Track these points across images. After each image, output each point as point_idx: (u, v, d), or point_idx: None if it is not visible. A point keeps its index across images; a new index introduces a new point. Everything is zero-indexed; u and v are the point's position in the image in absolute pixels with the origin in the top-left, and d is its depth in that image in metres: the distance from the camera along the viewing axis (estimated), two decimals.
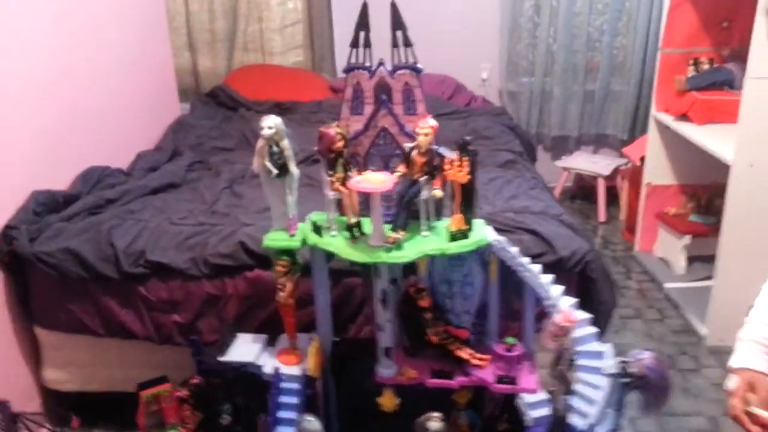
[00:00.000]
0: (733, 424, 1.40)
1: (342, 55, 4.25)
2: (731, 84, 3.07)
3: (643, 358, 1.60)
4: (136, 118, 3.11)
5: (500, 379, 1.73)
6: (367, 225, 1.68)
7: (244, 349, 1.90)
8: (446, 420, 1.72)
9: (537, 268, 1.71)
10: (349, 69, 1.70)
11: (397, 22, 1.64)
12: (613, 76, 4.22)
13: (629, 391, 1.65)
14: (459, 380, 1.75)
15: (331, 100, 3.85)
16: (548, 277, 1.73)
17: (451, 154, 1.66)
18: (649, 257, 3.47)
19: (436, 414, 1.70)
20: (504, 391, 1.73)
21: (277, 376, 1.81)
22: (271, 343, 1.94)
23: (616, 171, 4.06)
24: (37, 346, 2.24)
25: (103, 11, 2.81)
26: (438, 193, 1.62)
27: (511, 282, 1.80)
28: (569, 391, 1.59)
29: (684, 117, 3.06)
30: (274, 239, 1.75)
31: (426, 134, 1.59)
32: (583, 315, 1.72)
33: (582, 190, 4.37)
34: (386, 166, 1.75)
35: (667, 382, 1.60)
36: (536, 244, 2.03)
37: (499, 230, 1.75)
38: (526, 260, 1.70)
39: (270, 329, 1.98)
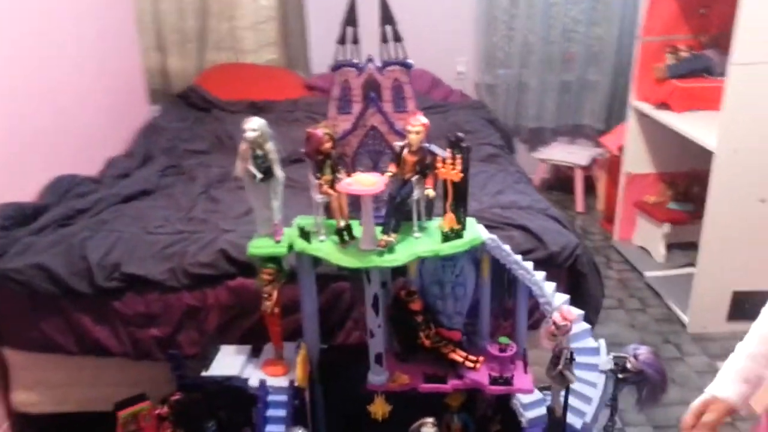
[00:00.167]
0: None
1: (317, 52, 4.17)
2: (710, 71, 3.07)
3: (640, 353, 1.58)
4: (104, 122, 2.99)
5: (495, 381, 1.68)
6: (357, 228, 1.62)
7: (228, 361, 1.83)
8: (439, 424, 1.67)
9: (530, 265, 1.67)
10: (336, 66, 1.63)
11: (387, 17, 1.58)
12: (589, 66, 4.21)
13: (624, 387, 1.63)
14: (453, 384, 1.70)
15: (307, 98, 3.77)
16: (541, 274, 1.68)
17: (442, 152, 1.61)
18: (628, 246, 3.46)
19: (429, 420, 1.65)
20: (499, 393, 1.69)
21: (264, 388, 1.74)
22: (255, 353, 1.87)
23: (593, 161, 4.05)
24: (5, 368, 2.12)
25: (66, 10, 2.68)
26: (431, 192, 1.56)
27: (502, 280, 1.76)
28: (567, 391, 1.55)
29: (663, 105, 3.06)
30: (260, 246, 1.67)
31: (417, 132, 1.54)
32: (577, 312, 1.69)
33: (559, 180, 4.36)
34: (376, 166, 1.68)
35: (664, 376, 1.58)
36: (526, 240, 1.99)
37: (487, 227, 1.70)
38: (518, 257, 1.66)
39: (254, 339, 1.90)
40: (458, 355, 1.69)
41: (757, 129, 2.43)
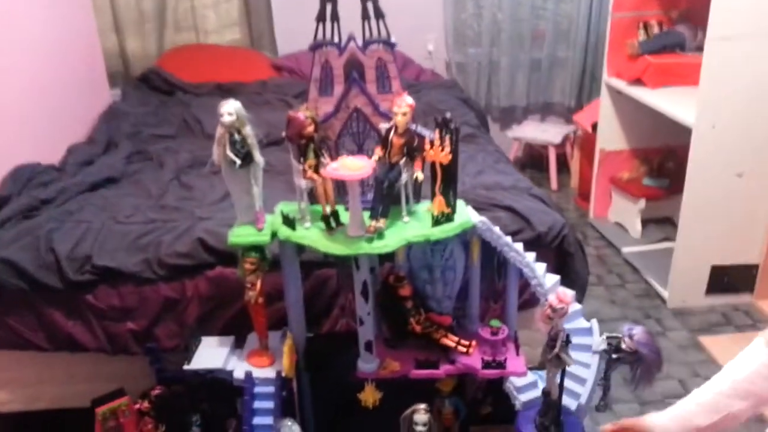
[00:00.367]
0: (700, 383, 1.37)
1: (281, 31, 4.05)
2: (682, 46, 3.08)
3: (635, 333, 1.56)
4: (63, 107, 2.84)
5: (488, 365, 1.65)
6: (343, 214, 1.56)
7: (211, 353, 1.76)
8: (430, 410, 1.64)
9: (520, 247, 1.64)
10: (316, 46, 1.56)
11: None
12: (558, 43, 4.19)
13: (617, 367, 1.62)
14: (445, 369, 1.67)
15: (276, 79, 3.67)
16: (532, 255, 1.65)
17: (430, 134, 1.55)
18: (604, 223, 3.48)
19: (422, 406, 1.62)
20: (492, 377, 1.66)
21: (250, 380, 1.69)
22: (239, 344, 1.81)
23: (565, 139, 4.05)
24: None
25: None
26: (420, 176, 1.51)
27: (492, 262, 1.73)
28: (563, 373, 1.53)
29: (637, 81, 3.05)
30: (241, 235, 1.60)
31: (404, 113, 1.48)
32: (570, 293, 1.66)
33: (531, 159, 4.36)
34: (360, 150, 1.62)
35: (659, 356, 1.56)
36: (513, 221, 1.95)
37: (472, 208, 1.66)
38: (509, 239, 1.63)
39: (236, 329, 1.84)
40: (450, 340, 1.65)
41: (735, 104, 2.44)
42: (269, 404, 1.67)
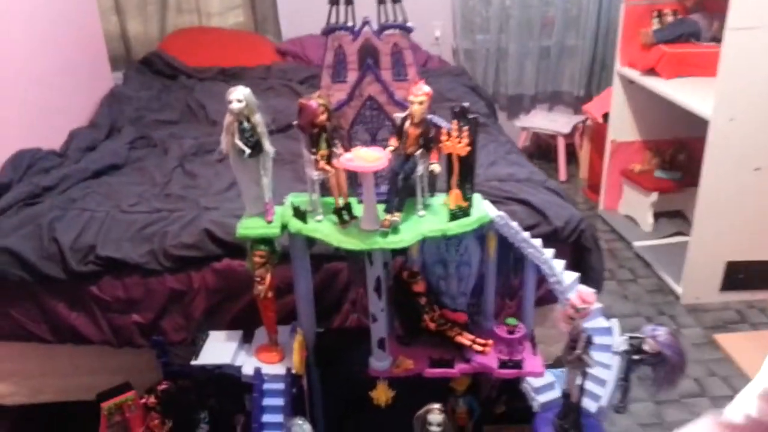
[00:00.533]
0: (719, 384, 1.27)
1: (286, 14, 3.98)
2: (697, 36, 3.00)
3: (658, 334, 1.51)
4: (64, 91, 2.77)
5: (504, 364, 1.61)
6: (356, 206, 1.51)
7: (219, 348, 1.72)
8: (444, 408, 1.59)
9: (538, 242, 1.59)
10: (329, 30, 1.49)
11: None
12: (568, 30, 4.11)
13: (638, 368, 1.57)
14: (460, 368, 1.62)
15: (280, 64, 3.60)
16: (550, 252, 1.60)
17: (447, 124, 1.50)
18: (614, 216, 3.42)
19: (436, 406, 1.57)
20: (509, 377, 1.61)
21: (259, 376, 1.64)
22: (247, 339, 1.76)
23: (574, 128, 3.98)
24: None
25: None
26: (436, 168, 1.45)
27: (507, 257, 1.68)
28: (584, 375, 1.48)
29: (651, 71, 2.98)
30: (250, 227, 1.55)
31: (421, 102, 1.42)
32: (590, 291, 1.61)
33: (539, 149, 4.29)
34: (374, 140, 1.57)
35: (683, 358, 1.52)
36: (529, 215, 1.90)
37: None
38: (527, 235, 1.58)
39: (244, 323, 1.80)
40: (465, 339, 1.60)
41: (753, 96, 2.37)
42: (279, 401, 1.63)
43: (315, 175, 1.49)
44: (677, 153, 3.29)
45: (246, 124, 1.49)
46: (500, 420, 1.76)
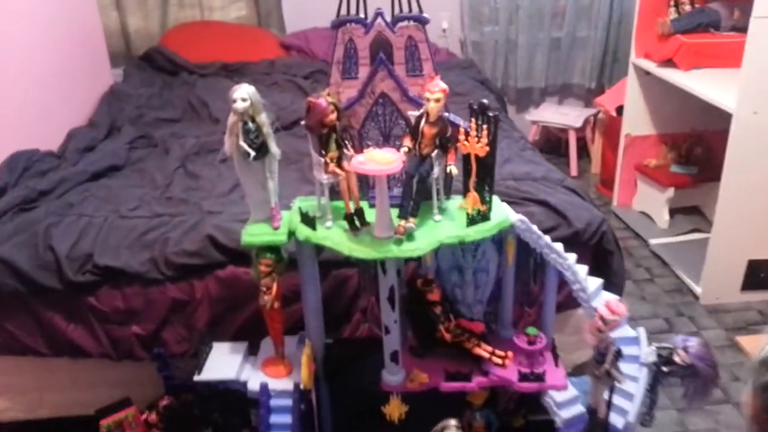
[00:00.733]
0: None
1: (290, 7, 3.88)
2: (716, 25, 2.89)
3: (690, 345, 1.42)
4: (62, 89, 2.68)
5: (525, 377, 1.52)
6: (368, 211, 1.41)
7: (223, 362, 1.64)
8: (460, 424, 1.51)
9: (560, 247, 1.49)
10: (339, 23, 1.40)
11: None
12: (579, 21, 4.00)
13: (667, 380, 1.48)
14: (478, 381, 1.54)
15: (284, 59, 3.50)
16: (573, 257, 1.51)
17: (465, 123, 1.41)
18: (628, 212, 3.32)
19: (452, 422, 1.48)
20: (530, 391, 1.53)
21: (266, 392, 1.56)
22: (252, 351, 1.68)
23: (585, 122, 3.88)
24: None
25: None
26: (454, 170, 1.36)
27: (527, 263, 1.59)
28: (612, 390, 1.39)
29: (668, 63, 2.87)
30: (255, 234, 1.46)
31: (437, 99, 1.33)
32: (616, 299, 1.52)
33: (549, 143, 4.19)
34: (386, 140, 1.48)
35: (716, 370, 1.42)
36: (548, 216, 1.81)
37: (503, 202, 1.51)
38: (548, 239, 1.48)
39: (250, 334, 1.71)
40: (484, 350, 1.52)
41: None
42: (287, 418, 1.55)
43: (324, 178, 1.40)
44: (693, 147, 3.19)
45: (251, 125, 1.40)
46: None
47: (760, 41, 2.20)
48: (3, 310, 1.75)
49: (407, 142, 1.37)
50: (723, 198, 2.45)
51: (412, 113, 1.41)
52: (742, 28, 2.77)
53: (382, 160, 1.29)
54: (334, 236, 1.39)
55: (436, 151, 1.37)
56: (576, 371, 1.86)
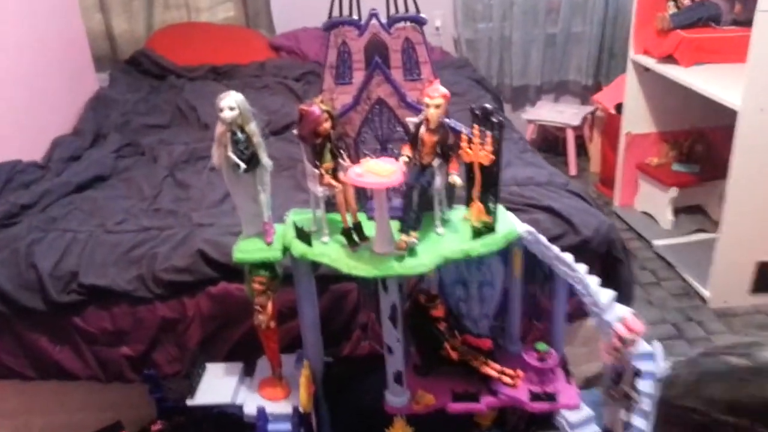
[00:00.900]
0: None
1: (279, 7, 3.79)
2: (717, 20, 2.83)
3: None
4: (45, 95, 2.59)
5: (536, 397, 1.44)
6: (366, 224, 1.33)
7: (217, 384, 1.56)
8: None
9: (569, 258, 1.42)
10: (331, 25, 1.31)
11: None
12: (574, 16, 3.92)
13: None
14: (486, 402, 1.46)
15: (274, 60, 3.42)
16: (583, 268, 1.43)
17: (467, 129, 1.33)
18: (630, 212, 3.25)
19: None
20: (542, 411, 1.45)
21: (263, 416, 1.48)
22: (248, 371, 1.60)
23: (583, 120, 3.81)
24: None
25: None
26: (458, 180, 1.28)
27: (534, 274, 1.51)
28: (630, 411, 1.32)
29: (668, 59, 2.80)
30: (248, 251, 1.38)
31: (437, 105, 1.25)
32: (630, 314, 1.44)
33: (546, 142, 4.11)
34: (384, 149, 1.40)
35: None
36: (554, 224, 1.73)
37: (507, 210, 1.44)
38: (557, 250, 1.41)
39: (245, 353, 1.63)
40: (492, 369, 1.44)
41: None
42: None
43: (320, 191, 1.32)
44: (694, 144, 3.12)
45: (240, 135, 1.32)
46: None
47: (766, 36, 2.13)
48: None
49: (406, 150, 1.29)
50: (730, 198, 2.38)
51: (411, 120, 1.33)
52: (743, 22, 2.71)
53: (381, 172, 1.21)
54: (331, 252, 1.31)
55: (437, 160, 1.29)
56: (587, 384, 1.79)
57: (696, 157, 3.13)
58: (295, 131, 1.32)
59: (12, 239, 1.75)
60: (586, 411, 1.42)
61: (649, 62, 2.90)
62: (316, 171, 1.30)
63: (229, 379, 1.55)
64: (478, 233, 1.32)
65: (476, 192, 1.35)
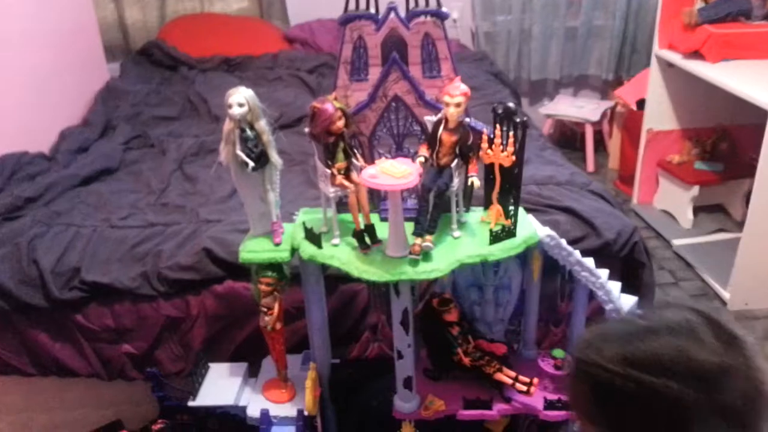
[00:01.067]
0: None
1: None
2: (747, 14, 2.72)
3: None
4: (55, 86, 2.54)
5: (551, 404, 1.38)
6: (379, 226, 1.28)
7: (221, 385, 1.53)
8: None
9: (591, 263, 1.35)
10: (347, 19, 1.25)
11: None
12: (596, 9, 3.82)
13: None
14: (499, 409, 1.41)
15: (287, 52, 3.35)
16: (605, 273, 1.37)
17: (488, 129, 1.26)
18: (649, 210, 3.17)
19: None
20: (557, 420, 1.39)
21: (267, 419, 1.44)
22: (252, 372, 1.55)
23: (602, 115, 3.72)
24: None
25: None
26: (476, 182, 1.22)
27: (553, 278, 1.45)
28: None
29: (694, 54, 2.71)
30: (255, 251, 1.33)
31: (457, 104, 1.18)
32: None
33: (564, 137, 4.02)
34: (399, 148, 1.34)
35: None
36: (574, 225, 1.66)
37: (526, 210, 1.37)
38: (578, 254, 1.34)
39: (249, 353, 1.59)
40: (506, 375, 1.38)
41: None
42: None
43: (331, 191, 1.26)
44: (719, 142, 3.02)
45: (249, 132, 1.26)
46: None
47: None
48: None
49: (423, 151, 1.23)
50: (756, 199, 2.29)
51: (429, 118, 1.27)
52: None
53: (395, 173, 1.15)
54: (341, 255, 1.25)
55: (455, 161, 1.23)
56: None
57: (719, 156, 3.03)
58: (306, 129, 1.26)
59: (14, 234, 1.71)
60: None
61: (674, 58, 2.80)
62: (328, 171, 1.25)
63: (232, 380, 1.51)
64: (496, 237, 1.25)
65: (495, 194, 1.30)
